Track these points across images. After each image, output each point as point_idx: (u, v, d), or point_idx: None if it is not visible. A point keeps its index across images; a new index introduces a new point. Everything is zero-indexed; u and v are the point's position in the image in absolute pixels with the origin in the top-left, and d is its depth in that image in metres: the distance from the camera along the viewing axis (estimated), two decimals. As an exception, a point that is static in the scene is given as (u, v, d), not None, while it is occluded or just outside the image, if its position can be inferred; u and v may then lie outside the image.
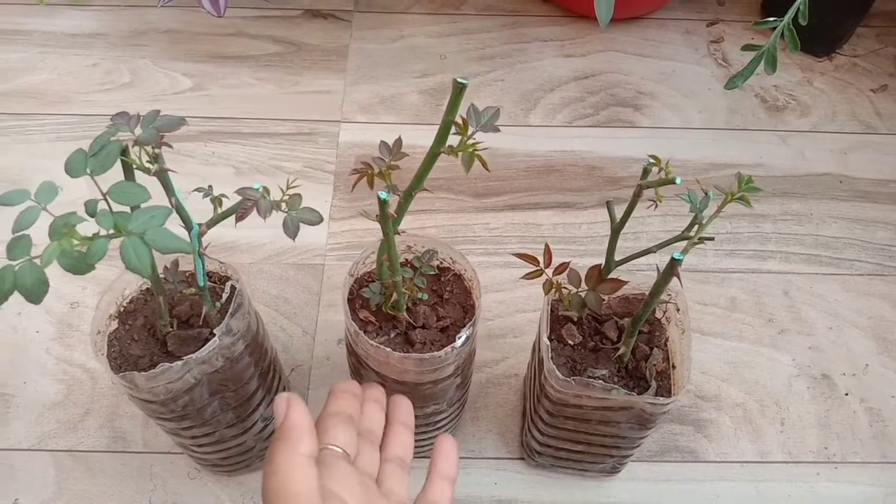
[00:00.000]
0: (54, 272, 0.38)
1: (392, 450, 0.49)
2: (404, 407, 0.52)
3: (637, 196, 0.47)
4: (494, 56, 1.09)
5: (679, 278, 0.47)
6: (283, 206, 0.44)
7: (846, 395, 0.79)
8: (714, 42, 1.12)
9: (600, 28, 0.86)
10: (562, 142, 0.99)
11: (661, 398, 0.56)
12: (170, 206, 0.42)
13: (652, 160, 0.44)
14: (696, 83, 1.06)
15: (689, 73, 1.07)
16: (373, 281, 0.59)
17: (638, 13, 1.14)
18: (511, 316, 0.83)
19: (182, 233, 0.45)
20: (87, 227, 0.39)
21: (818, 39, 1.08)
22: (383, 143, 0.49)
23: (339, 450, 0.45)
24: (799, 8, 0.73)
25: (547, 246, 0.56)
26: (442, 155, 0.46)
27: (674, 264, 0.46)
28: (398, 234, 0.53)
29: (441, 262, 0.62)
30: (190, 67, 1.05)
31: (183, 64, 1.06)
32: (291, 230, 0.43)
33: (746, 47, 0.75)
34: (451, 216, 0.91)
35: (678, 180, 0.43)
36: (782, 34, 0.74)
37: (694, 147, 0.99)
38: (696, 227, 0.47)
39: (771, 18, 0.73)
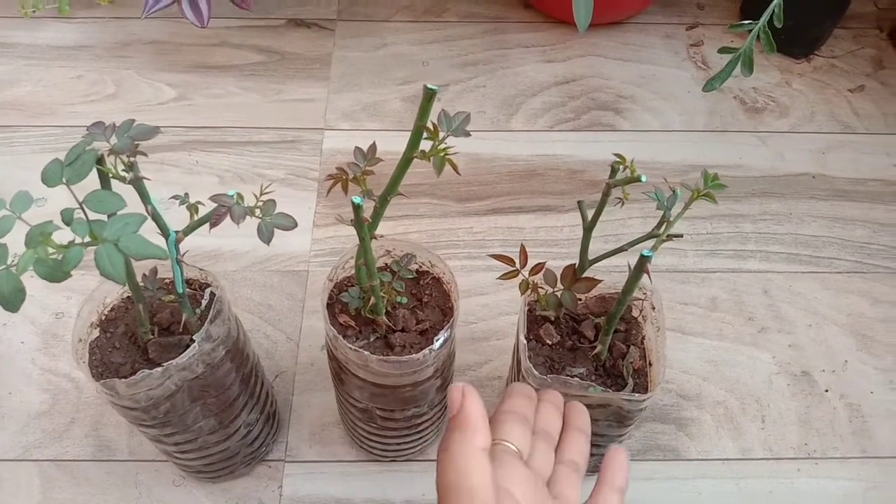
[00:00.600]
0: (38, 283, 0.39)
1: (567, 453, 0.47)
2: (582, 414, 0.50)
3: (606, 195, 0.48)
4: (476, 62, 1.10)
5: (649, 275, 0.48)
6: (258, 211, 0.44)
7: (826, 391, 0.80)
8: (694, 45, 1.13)
9: (580, 33, 0.87)
10: (543, 146, 1.00)
11: (638, 395, 0.56)
12: (145, 213, 0.43)
13: (618, 158, 0.45)
14: (676, 86, 1.08)
15: (669, 77, 1.09)
16: (352, 285, 0.60)
17: (618, 18, 1.15)
18: (494, 319, 0.84)
19: (160, 241, 0.46)
20: (65, 236, 0.40)
21: (796, 41, 1.10)
22: (358, 148, 0.50)
23: (513, 447, 0.44)
24: (774, 10, 0.75)
25: (522, 247, 0.57)
26: (425, 161, 0.46)
27: (643, 261, 0.47)
28: (375, 238, 0.53)
29: (420, 266, 0.63)
30: (174, 78, 1.06)
31: (167, 74, 1.06)
32: (266, 235, 0.44)
33: (723, 50, 0.76)
34: (435, 221, 0.92)
35: (644, 178, 0.44)
36: (758, 36, 0.75)
37: (674, 149, 1.00)
38: (664, 224, 0.48)
39: (747, 21, 0.75)
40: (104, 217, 0.41)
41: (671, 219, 0.49)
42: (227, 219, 0.44)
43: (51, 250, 0.39)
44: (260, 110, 1.03)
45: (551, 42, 1.13)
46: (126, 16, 1.13)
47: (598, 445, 0.65)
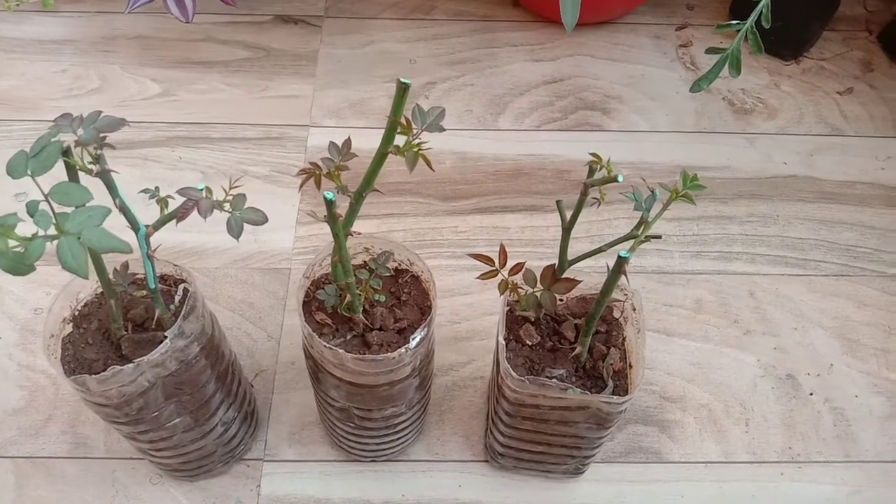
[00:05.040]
0: (18, 279, 0.38)
1: None
2: None
3: (584, 195, 0.48)
4: (464, 61, 1.09)
5: (626, 276, 0.47)
6: (227, 206, 0.43)
7: (811, 395, 0.79)
8: (683, 46, 1.12)
9: (568, 32, 0.87)
10: (531, 145, 0.99)
11: (616, 397, 0.56)
12: (113, 206, 0.42)
13: (594, 158, 0.45)
14: (665, 87, 1.07)
15: (657, 77, 1.08)
16: (329, 283, 0.59)
17: (607, 18, 1.14)
18: (478, 319, 0.83)
19: (131, 235, 0.45)
20: (33, 229, 0.39)
21: (785, 43, 1.09)
22: (332, 143, 0.49)
23: None
24: (762, 11, 0.74)
25: (502, 246, 0.56)
26: (400, 157, 0.46)
27: (621, 262, 0.46)
28: (352, 235, 0.53)
29: (399, 264, 0.62)
30: (159, 73, 1.05)
31: (152, 69, 1.05)
32: (235, 230, 0.43)
33: (711, 50, 0.76)
34: (420, 219, 0.91)
35: (620, 178, 0.43)
36: (746, 37, 0.75)
37: (662, 150, 0.99)
38: (643, 225, 0.47)
39: (734, 21, 0.74)
40: (71, 210, 0.40)
41: (649, 220, 0.48)
42: (211, 215, 0.44)
43: (12, 243, 0.38)
44: (245, 106, 1.02)
45: (540, 41, 1.12)
46: (111, 10, 1.12)
47: (579, 447, 0.65)
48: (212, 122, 0.99)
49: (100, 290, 0.59)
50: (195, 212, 0.43)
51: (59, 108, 1.00)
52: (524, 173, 0.96)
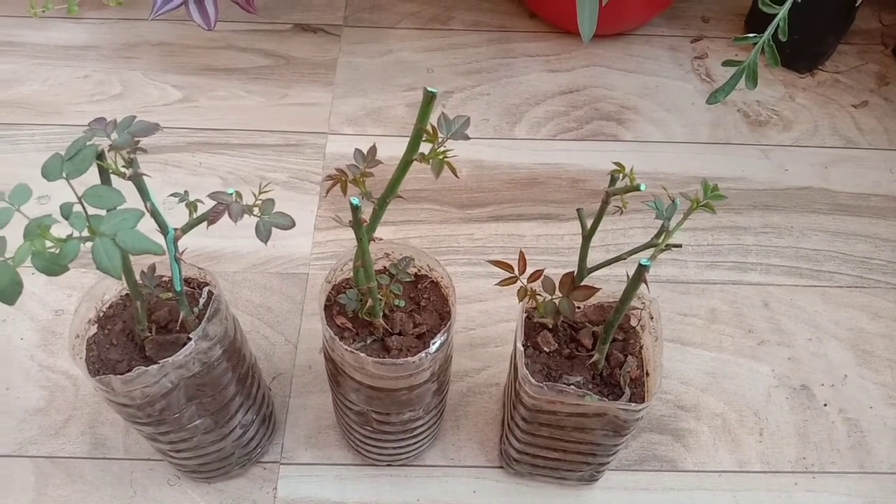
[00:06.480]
0: (39, 279, 0.39)
1: None
2: None
3: (605, 203, 0.48)
4: (481, 70, 1.10)
5: (647, 284, 0.48)
6: (256, 210, 0.44)
7: (825, 405, 0.79)
8: (698, 58, 1.13)
9: (584, 43, 0.88)
10: (546, 155, 1.00)
11: (634, 404, 0.56)
12: (144, 210, 0.43)
13: (617, 167, 0.45)
14: (680, 98, 1.08)
15: (672, 89, 1.09)
16: (350, 287, 0.60)
17: (623, 29, 1.15)
18: (493, 325, 0.84)
19: (159, 238, 0.46)
20: (65, 231, 0.40)
21: (800, 56, 1.10)
22: (357, 150, 0.50)
23: None
24: (779, 24, 0.75)
25: (521, 253, 0.57)
26: (425, 164, 0.46)
27: (641, 270, 0.47)
28: (374, 241, 0.53)
29: (419, 270, 0.63)
30: (180, 79, 1.06)
31: (173, 76, 1.07)
32: (263, 234, 0.44)
33: (727, 62, 0.76)
34: (436, 227, 0.92)
35: (643, 187, 0.44)
36: (762, 50, 0.75)
37: (677, 161, 1.00)
38: (663, 234, 0.48)
39: (751, 34, 0.75)
40: (103, 212, 0.41)
41: (670, 228, 0.49)
42: (229, 220, 0.45)
43: (48, 243, 0.39)
44: (264, 113, 1.03)
45: (556, 52, 1.13)
46: (134, 17, 1.14)
47: (595, 454, 0.65)
48: (232, 129, 1.00)
49: (124, 292, 0.60)
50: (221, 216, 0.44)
51: (81, 112, 1.02)
52: (539, 182, 0.97)
